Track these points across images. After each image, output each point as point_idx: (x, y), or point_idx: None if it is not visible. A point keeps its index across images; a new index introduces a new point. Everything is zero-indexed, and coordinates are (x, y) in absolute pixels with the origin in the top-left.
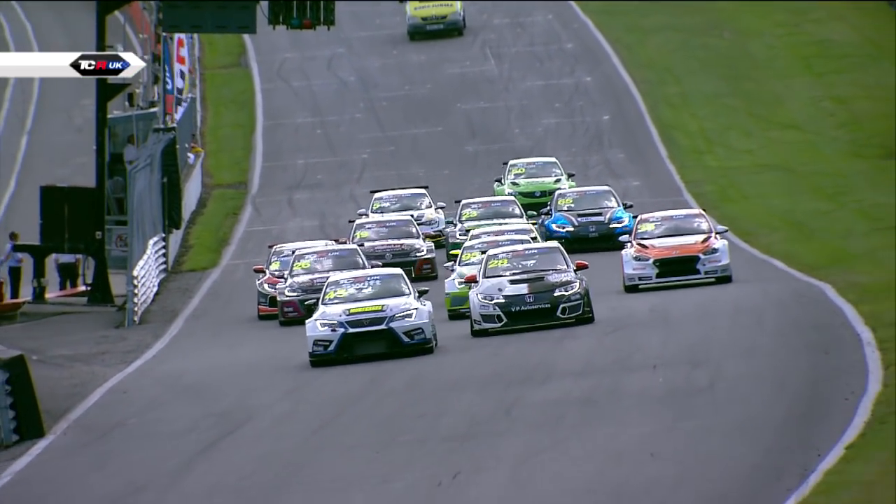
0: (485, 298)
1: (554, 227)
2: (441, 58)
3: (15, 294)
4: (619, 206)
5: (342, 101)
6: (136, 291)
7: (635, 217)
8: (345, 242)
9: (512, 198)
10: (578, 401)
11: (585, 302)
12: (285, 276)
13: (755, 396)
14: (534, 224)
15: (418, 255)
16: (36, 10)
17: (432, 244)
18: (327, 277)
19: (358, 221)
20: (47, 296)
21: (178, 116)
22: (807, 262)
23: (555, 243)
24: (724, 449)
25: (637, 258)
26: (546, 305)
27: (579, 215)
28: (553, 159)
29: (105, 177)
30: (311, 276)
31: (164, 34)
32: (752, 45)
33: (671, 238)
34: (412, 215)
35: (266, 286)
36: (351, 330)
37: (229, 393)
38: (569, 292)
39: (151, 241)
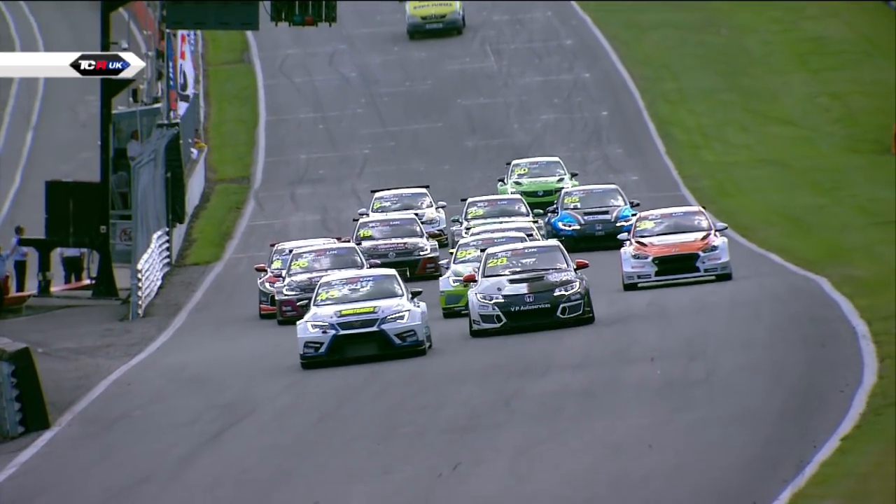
0: (484, 298)
1: (560, 225)
2: (441, 54)
3: (20, 287)
4: (625, 204)
5: (344, 97)
6: (140, 285)
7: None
8: (348, 241)
9: (518, 196)
10: (577, 393)
11: (586, 302)
12: (283, 274)
13: (752, 389)
14: (533, 222)
15: (422, 253)
16: (41, 7)
17: (436, 243)
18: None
19: (361, 220)
20: (52, 289)
21: (181, 112)
22: (803, 257)
23: (555, 242)
24: (722, 440)
25: (636, 256)
26: (546, 305)
27: (586, 213)
28: (556, 159)
29: (109, 172)
30: (309, 275)
31: (167, 31)
32: (749, 41)
33: (670, 236)
34: (417, 214)
35: (267, 285)
36: (342, 332)
37: (232, 385)
38: (569, 292)
39: (155, 236)
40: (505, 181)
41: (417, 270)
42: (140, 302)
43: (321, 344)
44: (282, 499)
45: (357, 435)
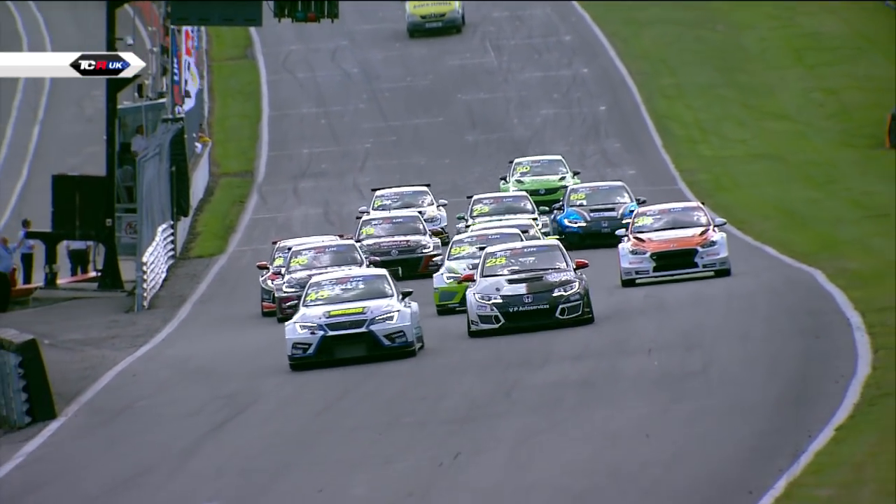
0: (482, 298)
1: (566, 222)
2: (442, 50)
3: (27, 280)
4: (631, 201)
5: (346, 92)
6: (145, 277)
7: None
8: (352, 238)
9: (524, 193)
10: (576, 384)
11: (585, 302)
12: (282, 272)
13: (748, 379)
14: (533, 219)
15: (424, 251)
16: (47, 4)
17: (439, 241)
18: (326, 272)
19: (364, 218)
20: (59, 281)
21: (186, 107)
22: (798, 249)
23: (554, 241)
24: (718, 430)
25: (634, 252)
26: (545, 306)
27: (591, 210)
28: (559, 157)
29: (115, 166)
30: (308, 272)
31: (172, 27)
32: (745, 37)
33: (669, 231)
34: (420, 212)
35: (269, 282)
36: (330, 333)
37: (236, 376)
38: (568, 292)
39: (160, 229)
40: (507, 179)
41: (420, 268)
42: (145, 294)
43: (309, 345)
44: (285, 488)
45: (359, 425)
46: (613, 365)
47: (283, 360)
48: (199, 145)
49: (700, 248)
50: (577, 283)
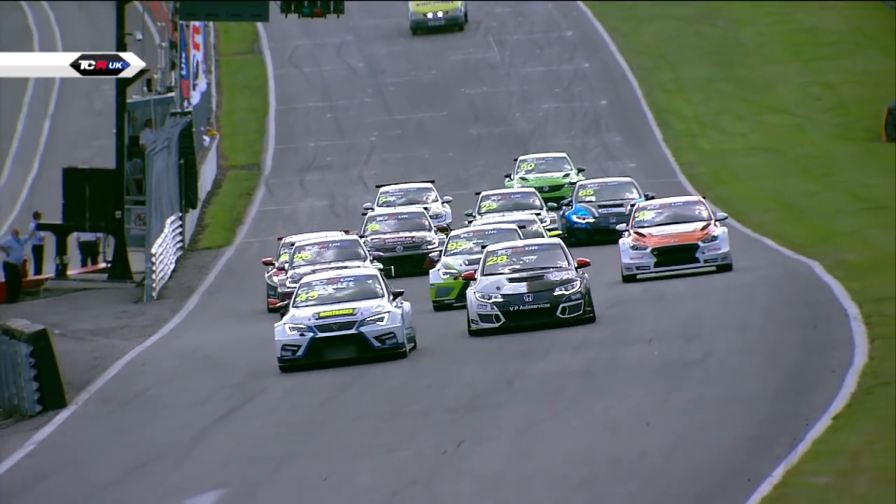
0: (482, 297)
1: (575, 218)
2: (445, 45)
3: (38, 271)
4: (640, 196)
5: (351, 87)
6: (154, 268)
7: None
8: (356, 234)
9: (532, 189)
10: (577, 373)
11: (586, 301)
12: (286, 267)
13: (747, 369)
14: (536, 215)
15: (429, 247)
16: (58, 2)
17: (444, 237)
18: (329, 268)
19: (370, 214)
20: (69, 273)
21: (194, 101)
22: (796, 241)
23: (556, 239)
24: (717, 419)
25: (634, 247)
26: (546, 305)
27: (600, 206)
28: (563, 154)
29: (124, 159)
30: (312, 268)
31: (180, 22)
32: (744, 32)
33: (670, 226)
34: (425, 208)
35: (275, 278)
36: (320, 334)
37: (243, 366)
38: (569, 291)
39: (169, 221)
40: (511, 177)
41: (425, 265)
42: (154, 285)
43: (299, 347)
44: (291, 475)
45: (363, 415)
46: (614, 355)
47: None
48: (207, 139)
49: (701, 244)
50: (578, 282)
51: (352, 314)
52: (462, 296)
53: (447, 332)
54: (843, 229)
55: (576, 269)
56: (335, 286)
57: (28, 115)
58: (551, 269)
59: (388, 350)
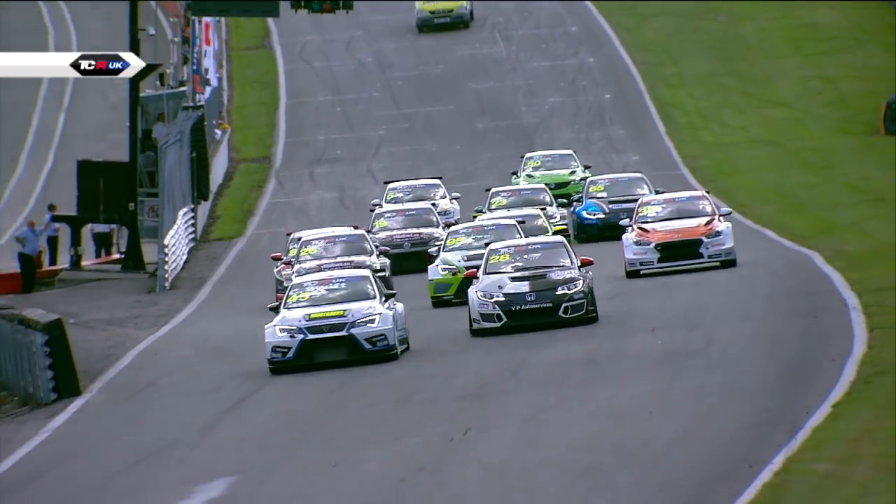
0: (484, 296)
1: (585, 214)
2: (452, 40)
3: (53, 262)
4: (651, 192)
5: (360, 81)
6: (166, 259)
7: None
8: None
9: (542, 185)
10: (581, 362)
11: (589, 300)
12: (292, 262)
13: (748, 358)
14: (541, 209)
15: (437, 244)
16: None
17: None
18: (336, 263)
19: (378, 210)
20: (83, 263)
21: (206, 95)
22: (797, 232)
23: (559, 238)
24: (719, 407)
25: (638, 243)
26: (548, 304)
27: (610, 202)
28: (570, 151)
29: (138, 152)
30: (318, 262)
31: (193, 18)
32: (745, 28)
33: (673, 221)
34: (433, 204)
35: (284, 273)
36: (310, 336)
37: (254, 354)
38: (572, 290)
39: (181, 212)
40: (518, 174)
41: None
42: (167, 275)
43: (289, 349)
44: (301, 462)
45: (372, 402)
46: (617, 344)
47: None
48: (218, 132)
49: (705, 239)
50: (581, 282)
51: (342, 316)
52: (461, 292)
53: (448, 331)
54: (843, 221)
55: (579, 268)
56: (327, 287)
57: (43, 109)
58: (554, 268)
59: (378, 352)
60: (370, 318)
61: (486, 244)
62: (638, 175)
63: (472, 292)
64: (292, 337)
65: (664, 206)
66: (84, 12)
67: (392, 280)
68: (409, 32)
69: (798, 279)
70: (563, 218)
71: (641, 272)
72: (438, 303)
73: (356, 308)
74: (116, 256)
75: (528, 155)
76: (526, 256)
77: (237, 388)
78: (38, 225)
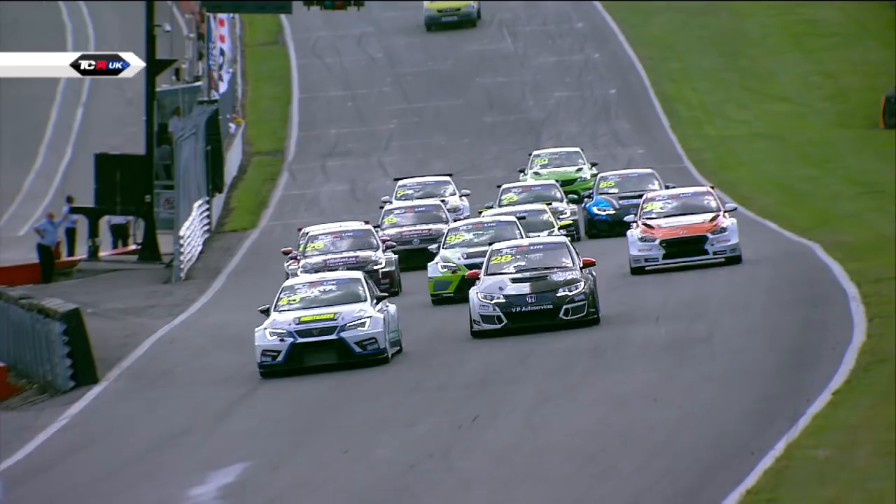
0: (485, 298)
1: (595, 210)
2: (461, 36)
3: (71, 252)
4: (661, 188)
5: (371, 76)
6: (182, 250)
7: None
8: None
9: (553, 182)
10: (587, 351)
11: (590, 302)
12: (298, 256)
13: (750, 347)
14: (547, 204)
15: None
16: None
17: None
18: (341, 258)
19: (387, 207)
20: (101, 254)
21: (220, 90)
22: (797, 224)
23: (562, 238)
24: (722, 395)
25: (643, 239)
26: (548, 306)
27: (620, 198)
28: (577, 149)
29: (154, 145)
30: (324, 257)
31: (207, 14)
32: (747, 24)
33: (678, 217)
34: (443, 201)
35: (291, 268)
36: (300, 340)
37: None
38: (573, 292)
39: (196, 204)
40: (525, 172)
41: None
42: (182, 266)
43: (279, 352)
44: (313, 448)
45: (382, 390)
46: (622, 333)
47: None
48: (232, 126)
49: (710, 235)
50: (582, 283)
51: (333, 319)
52: (460, 289)
53: (446, 335)
54: (843, 212)
55: (581, 268)
56: (318, 290)
57: (62, 104)
58: (556, 270)
59: (368, 356)
60: (361, 321)
61: (490, 244)
62: (648, 171)
63: (473, 293)
64: (282, 340)
65: (669, 201)
66: (102, 10)
67: (399, 276)
68: (419, 29)
69: (799, 269)
70: (573, 214)
71: (646, 269)
72: (438, 300)
73: (346, 311)
74: (133, 247)
75: (535, 153)
76: (528, 257)
77: (251, 377)
78: (57, 217)
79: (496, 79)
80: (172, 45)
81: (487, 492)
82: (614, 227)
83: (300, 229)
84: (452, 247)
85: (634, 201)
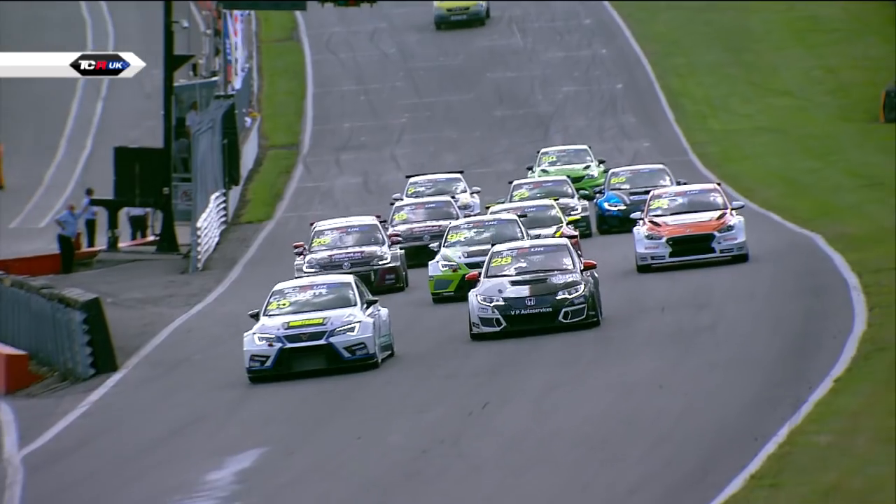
0: (484, 300)
1: (606, 205)
2: (471, 33)
3: (91, 243)
4: (673, 184)
5: (384, 71)
6: (199, 241)
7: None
8: (384, 222)
9: (564, 177)
10: (595, 339)
11: (590, 305)
12: (304, 252)
13: (754, 335)
14: (555, 199)
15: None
16: None
17: None
18: (346, 253)
19: (397, 204)
20: (120, 245)
21: (237, 84)
22: (800, 215)
23: (563, 240)
24: (726, 382)
25: (649, 237)
26: (547, 309)
27: (632, 193)
28: (585, 147)
29: (172, 138)
30: (329, 253)
31: (224, 10)
32: (751, 20)
33: (685, 215)
34: (454, 198)
35: (297, 264)
36: (288, 345)
37: None
38: (572, 295)
39: (213, 196)
40: (533, 169)
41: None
42: (199, 256)
43: (267, 357)
44: (328, 434)
45: (395, 377)
46: (629, 322)
47: None
48: (248, 120)
49: (717, 234)
50: (582, 286)
51: (322, 324)
52: (461, 288)
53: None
54: (844, 204)
55: (581, 271)
56: (308, 294)
57: (82, 98)
58: (556, 272)
59: (358, 361)
60: (350, 326)
61: (493, 243)
62: (659, 166)
63: (472, 296)
64: (270, 346)
65: (675, 198)
66: (121, 7)
67: (406, 272)
68: (431, 25)
69: (801, 260)
70: (584, 210)
71: (653, 266)
72: (439, 299)
73: (336, 316)
74: (151, 238)
75: (543, 150)
76: (529, 259)
77: None
78: (77, 208)
79: (506, 74)
80: (190, 41)
81: (497, 476)
82: (625, 223)
83: (312, 224)
84: (453, 245)
85: (645, 197)
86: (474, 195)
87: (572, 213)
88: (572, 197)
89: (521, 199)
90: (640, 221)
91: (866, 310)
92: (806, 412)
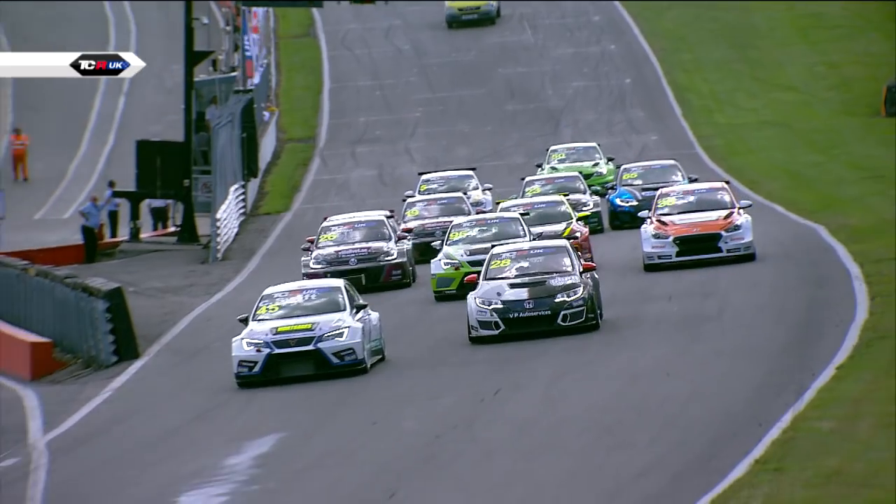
0: (482, 303)
1: (618, 201)
2: (483, 29)
3: (114, 234)
4: (684, 179)
5: (398, 67)
6: (218, 232)
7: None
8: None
9: (576, 173)
10: (603, 328)
11: (589, 308)
12: (311, 247)
13: (758, 324)
14: (564, 195)
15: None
16: None
17: None
18: (353, 249)
19: (409, 200)
20: (142, 236)
21: (255, 80)
22: (803, 207)
23: (563, 242)
24: (731, 369)
25: (656, 236)
26: (546, 312)
27: (643, 189)
28: (593, 144)
29: (192, 132)
30: (336, 249)
31: (243, 8)
32: (755, 17)
33: (692, 214)
34: (466, 195)
35: (303, 260)
36: (276, 350)
37: None
38: (571, 298)
39: (232, 189)
40: (543, 166)
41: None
42: (219, 247)
43: (255, 363)
44: (344, 419)
45: (409, 365)
46: (636, 311)
47: None
48: (266, 114)
49: (724, 233)
50: (581, 288)
51: (310, 329)
52: (463, 286)
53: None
54: (846, 196)
55: (581, 273)
56: (297, 298)
57: (105, 93)
58: (555, 274)
59: (346, 367)
60: (339, 331)
61: (493, 243)
62: (671, 162)
63: (471, 298)
64: (259, 351)
65: (683, 197)
66: (143, 5)
67: (414, 267)
68: (444, 22)
69: (804, 251)
70: (595, 205)
71: (660, 266)
72: (441, 297)
73: (325, 321)
74: (172, 229)
75: (552, 147)
76: (529, 260)
77: None
78: (100, 200)
79: (517, 69)
80: (210, 37)
81: (509, 461)
82: (637, 219)
83: (326, 217)
84: (455, 243)
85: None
86: (486, 192)
87: (583, 208)
88: (584, 193)
89: (534, 195)
90: (648, 220)
91: (868, 299)
92: (809, 399)
